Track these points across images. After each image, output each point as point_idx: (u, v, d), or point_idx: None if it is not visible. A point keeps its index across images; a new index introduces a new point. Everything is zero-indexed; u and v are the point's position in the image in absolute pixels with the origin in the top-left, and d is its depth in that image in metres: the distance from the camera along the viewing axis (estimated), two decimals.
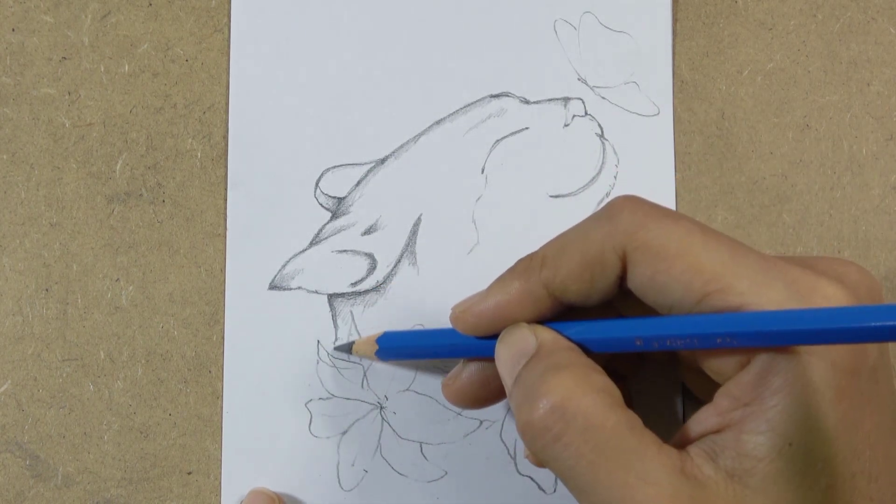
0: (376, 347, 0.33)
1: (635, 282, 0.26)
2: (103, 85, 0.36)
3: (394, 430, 0.35)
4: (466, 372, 0.31)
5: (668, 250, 0.25)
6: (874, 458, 0.24)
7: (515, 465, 0.35)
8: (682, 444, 0.26)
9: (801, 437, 0.23)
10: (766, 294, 0.24)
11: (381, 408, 0.35)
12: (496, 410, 0.35)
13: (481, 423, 0.35)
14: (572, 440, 0.25)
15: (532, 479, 0.35)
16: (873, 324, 0.21)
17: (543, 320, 0.28)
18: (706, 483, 0.24)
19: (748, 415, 0.24)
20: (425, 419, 0.35)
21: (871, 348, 0.24)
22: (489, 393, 0.31)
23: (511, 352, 0.28)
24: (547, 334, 0.27)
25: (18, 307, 0.35)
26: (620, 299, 0.28)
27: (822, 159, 0.37)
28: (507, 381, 0.27)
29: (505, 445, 0.35)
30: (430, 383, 0.35)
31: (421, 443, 0.35)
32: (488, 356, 0.29)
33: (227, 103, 0.36)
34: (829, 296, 0.24)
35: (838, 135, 0.37)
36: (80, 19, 0.36)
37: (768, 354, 0.24)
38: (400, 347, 0.32)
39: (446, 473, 0.35)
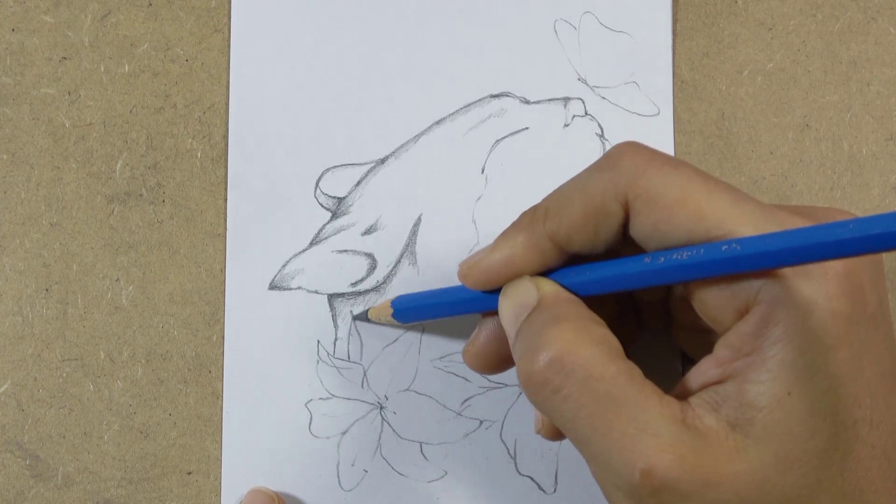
0: (391, 310, 0.33)
1: (637, 230, 0.26)
2: (103, 85, 0.36)
3: (394, 430, 0.35)
4: (483, 333, 0.31)
5: (670, 198, 0.25)
6: (875, 406, 0.24)
7: (515, 465, 0.35)
8: (683, 395, 0.25)
9: (801, 387, 0.23)
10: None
11: (381, 408, 0.35)
12: (496, 411, 0.35)
13: (481, 423, 0.35)
14: (572, 392, 0.25)
15: (532, 479, 0.35)
16: (871, 232, 0.21)
17: (550, 271, 0.28)
18: (707, 433, 0.24)
19: (748, 365, 0.24)
20: (425, 419, 0.35)
21: (870, 296, 0.24)
22: (508, 352, 0.30)
23: (513, 305, 0.28)
24: (548, 286, 0.27)
25: (18, 307, 0.35)
26: (626, 247, 0.28)
27: (822, 159, 0.37)
28: (511, 333, 0.27)
29: (505, 445, 0.35)
30: (431, 383, 0.35)
31: (421, 443, 0.35)
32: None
33: (227, 103, 0.36)
34: (834, 260, 0.24)
35: (838, 135, 0.37)
36: (80, 19, 0.36)
37: (767, 303, 0.24)
38: (415, 308, 0.32)
39: (446, 473, 0.35)
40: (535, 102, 0.36)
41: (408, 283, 0.35)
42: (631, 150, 0.26)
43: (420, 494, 0.35)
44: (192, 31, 0.36)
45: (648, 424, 0.24)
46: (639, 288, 0.26)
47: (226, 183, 0.35)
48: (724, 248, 0.24)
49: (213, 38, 0.36)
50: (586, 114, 0.36)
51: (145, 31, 0.36)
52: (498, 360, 0.31)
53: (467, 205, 0.35)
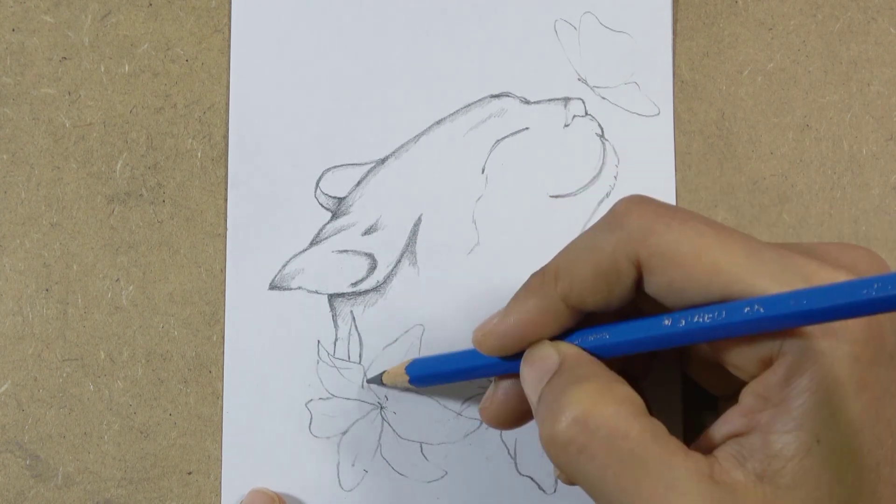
0: (407, 377, 0.33)
1: (652, 287, 0.26)
2: (103, 85, 0.36)
3: (394, 430, 0.35)
4: (500, 391, 0.30)
5: (683, 254, 0.25)
6: (895, 444, 0.24)
7: (515, 465, 0.35)
8: (707, 447, 0.25)
9: (827, 433, 0.23)
10: (787, 290, 0.23)
11: (381, 408, 0.35)
12: None
13: (481, 423, 0.35)
14: (597, 452, 0.24)
15: (532, 479, 0.35)
16: (884, 294, 0.21)
17: (567, 331, 0.28)
18: (735, 487, 0.24)
19: (775, 415, 0.24)
20: (425, 419, 0.35)
21: (889, 336, 0.24)
22: (526, 408, 0.30)
23: (535, 370, 0.27)
24: (570, 350, 0.27)
25: (18, 307, 0.35)
26: (642, 300, 0.27)
27: (822, 159, 0.37)
28: (533, 399, 0.27)
29: (505, 445, 0.35)
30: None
31: (421, 443, 0.35)
32: (517, 372, 0.29)
33: (227, 103, 0.36)
34: None
35: (838, 135, 0.37)
36: (80, 19, 0.36)
37: (793, 354, 0.24)
38: (431, 375, 0.32)
39: (446, 473, 0.35)
40: (535, 102, 0.36)
41: (408, 283, 0.35)
42: (637, 207, 0.26)
43: (420, 494, 0.35)
44: (192, 31, 0.36)
45: (676, 483, 0.24)
46: (660, 349, 0.26)
47: (226, 183, 0.35)
48: (745, 309, 0.23)
49: (213, 38, 0.36)
50: (586, 114, 0.36)
51: (145, 31, 0.36)
52: (516, 419, 0.30)
53: (467, 205, 0.35)
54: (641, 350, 0.27)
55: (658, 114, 0.36)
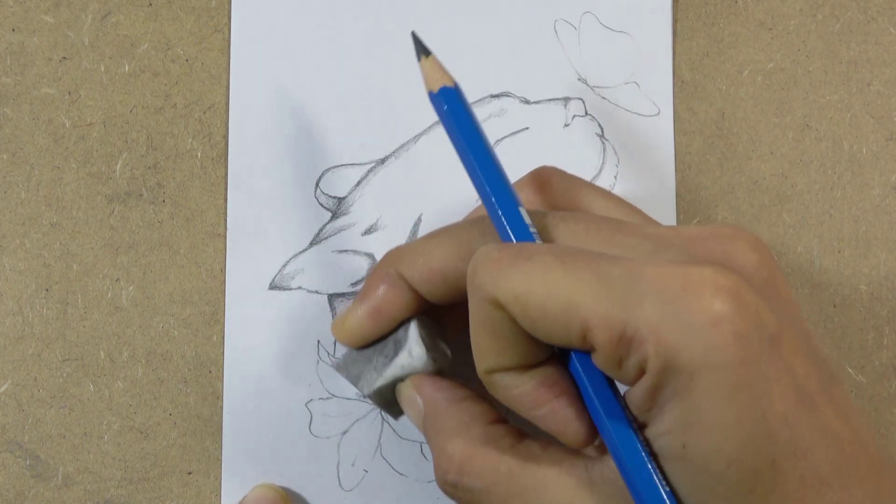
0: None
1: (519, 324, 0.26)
2: (103, 85, 0.36)
3: (394, 430, 0.35)
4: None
5: (537, 296, 0.24)
6: (796, 434, 0.23)
7: None
8: (590, 441, 0.26)
9: (696, 439, 0.23)
10: (640, 316, 0.23)
11: None
12: None
13: None
14: (483, 497, 0.27)
15: None
16: None
17: (423, 309, 0.30)
18: (615, 485, 0.25)
19: (648, 420, 0.24)
20: None
21: (766, 317, 0.23)
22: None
23: (409, 412, 0.30)
24: (427, 393, 0.29)
25: (18, 307, 0.35)
26: None
27: (822, 159, 0.37)
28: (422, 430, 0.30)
29: None
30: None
31: (421, 443, 0.35)
32: None
33: (227, 103, 0.36)
34: (705, 309, 0.23)
35: (838, 135, 0.37)
36: (80, 19, 0.36)
37: (652, 374, 0.23)
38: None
39: None
40: (535, 102, 0.36)
41: None
42: (483, 260, 0.26)
43: (420, 494, 0.35)
44: (192, 31, 0.36)
45: (557, 500, 0.26)
46: None
47: (226, 183, 0.35)
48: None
49: (213, 38, 0.36)
50: (586, 114, 0.36)
51: (145, 31, 0.36)
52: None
53: (467, 205, 0.35)
54: None
55: (658, 114, 0.36)
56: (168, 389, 0.35)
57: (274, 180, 0.35)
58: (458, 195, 0.36)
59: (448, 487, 0.27)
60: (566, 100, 0.36)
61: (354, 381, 0.31)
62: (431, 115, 0.36)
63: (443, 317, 0.31)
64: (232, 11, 0.36)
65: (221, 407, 0.34)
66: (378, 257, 0.35)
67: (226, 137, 0.36)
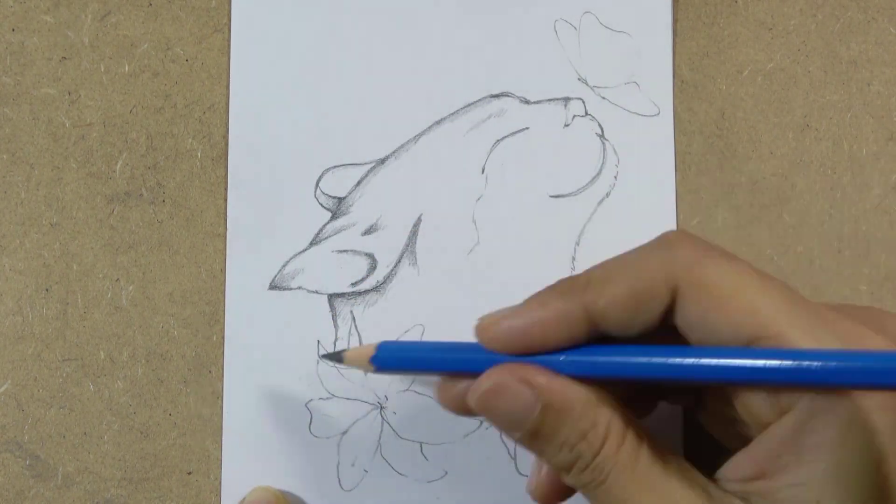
0: (372, 352, 0.29)
1: (684, 318, 0.25)
2: (103, 85, 0.36)
3: (394, 430, 0.35)
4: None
5: (724, 290, 0.24)
6: None
7: (515, 465, 0.35)
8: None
9: (834, 497, 0.23)
10: (818, 346, 0.23)
11: (381, 408, 0.35)
12: None
13: (481, 423, 0.35)
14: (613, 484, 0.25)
15: None
16: None
17: (574, 346, 0.26)
18: None
19: (783, 467, 0.24)
20: (425, 419, 0.35)
21: None
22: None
23: (506, 404, 0.26)
24: (555, 392, 0.26)
25: (18, 307, 0.35)
26: (659, 334, 0.27)
27: (822, 159, 0.37)
28: (510, 435, 0.27)
29: (505, 445, 0.35)
30: (431, 383, 0.35)
31: (421, 443, 0.35)
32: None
33: (227, 103, 0.36)
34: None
35: (838, 135, 0.37)
36: (80, 19, 0.36)
37: (803, 411, 0.23)
38: (402, 360, 0.29)
39: (446, 473, 0.35)
40: (535, 102, 0.36)
41: (408, 283, 0.35)
42: (688, 239, 0.26)
43: (420, 494, 0.35)
44: (192, 31, 0.36)
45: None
46: (676, 380, 0.25)
47: (226, 183, 0.35)
48: (776, 362, 0.23)
49: (213, 38, 0.36)
50: (586, 114, 0.36)
51: (145, 31, 0.36)
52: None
53: (467, 205, 0.35)
54: (664, 377, 0.26)
55: (658, 114, 0.36)
56: (168, 389, 0.35)
57: (274, 180, 0.35)
58: (458, 195, 0.36)
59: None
60: (566, 100, 0.36)
61: None
62: (431, 115, 0.36)
63: None
64: (232, 11, 0.36)
65: (221, 407, 0.34)
66: (378, 257, 0.35)
67: (226, 137, 0.36)
